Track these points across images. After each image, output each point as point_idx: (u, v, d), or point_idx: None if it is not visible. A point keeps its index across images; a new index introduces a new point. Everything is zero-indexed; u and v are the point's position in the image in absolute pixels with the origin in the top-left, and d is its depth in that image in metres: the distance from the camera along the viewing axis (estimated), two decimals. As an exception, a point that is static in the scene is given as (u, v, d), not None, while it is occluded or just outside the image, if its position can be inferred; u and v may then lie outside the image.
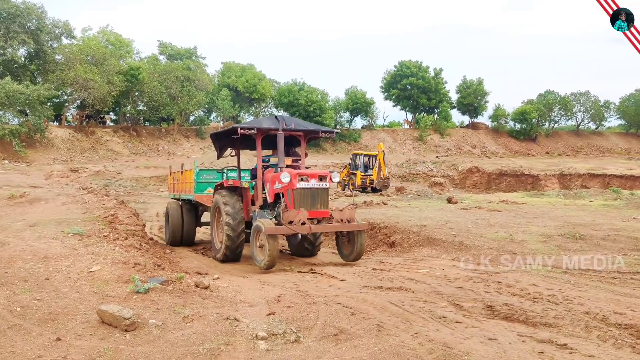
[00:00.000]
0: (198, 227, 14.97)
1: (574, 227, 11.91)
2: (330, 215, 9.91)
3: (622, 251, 9.55)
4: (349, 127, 63.14)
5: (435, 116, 67.51)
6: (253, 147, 12.14)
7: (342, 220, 9.86)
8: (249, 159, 38.49)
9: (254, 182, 11.18)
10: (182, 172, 15.01)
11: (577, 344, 5.04)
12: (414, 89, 63.95)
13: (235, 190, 11.26)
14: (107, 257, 7.78)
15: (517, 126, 69.30)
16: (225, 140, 12.14)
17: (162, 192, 31.77)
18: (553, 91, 71.84)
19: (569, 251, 9.64)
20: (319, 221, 9.80)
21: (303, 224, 9.42)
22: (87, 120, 48.48)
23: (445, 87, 67.01)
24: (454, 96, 69.51)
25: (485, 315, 6.04)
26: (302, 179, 9.72)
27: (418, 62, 65.21)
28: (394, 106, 68.17)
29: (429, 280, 7.74)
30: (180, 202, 14.71)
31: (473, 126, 71.28)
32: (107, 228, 10.25)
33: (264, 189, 10.70)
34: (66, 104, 46.72)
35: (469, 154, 61.42)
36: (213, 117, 60.11)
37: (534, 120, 68.12)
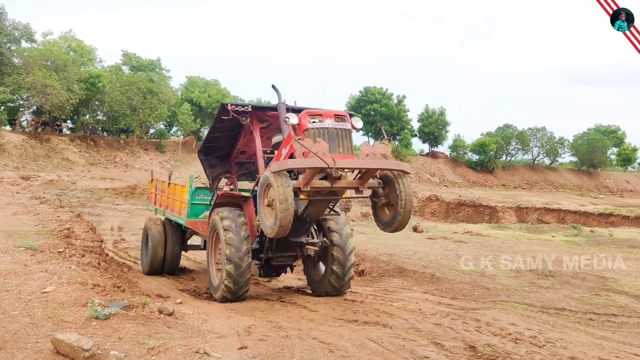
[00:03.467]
0: (184, 252, 12.32)
1: (542, 263, 11.87)
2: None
3: (592, 290, 9.50)
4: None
5: (397, 143, 68.09)
6: (254, 178, 9.95)
7: (375, 155, 7.36)
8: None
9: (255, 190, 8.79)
10: (169, 183, 12.13)
11: (568, 392, 4.80)
12: (377, 115, 64.40)
13: (235, 205, 8.91)
14: (62, 276, 7.20)
15: (476, 157, 70.47)
16: (219, 164, 10.12)
17: (117, 204, 30.82)
18: (511, 125, 73.49)
19: (541, 288, 9.53)
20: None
21: None
22: (42, 127, 46.85)
23: (407, 115, 67.75)
24: (414, 124, 70.36)
25: (468, 357, 5.76)
26: (313, 119, 7.28)
27: (383, 88, 65.84)
28: (357, 132, 68.42)
29: (405, 315, 7.45)
30: (162, 219, 12.08)
31: (433, 155, 72.14)
32: (62, 243, 9.61)
33: None
34: (21, 109, 45.05)
35: (428, 182, 61.98)
36: (174, 131, 59.11)
37: (492, 152, 69.42)
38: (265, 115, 8.83)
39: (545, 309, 8.15)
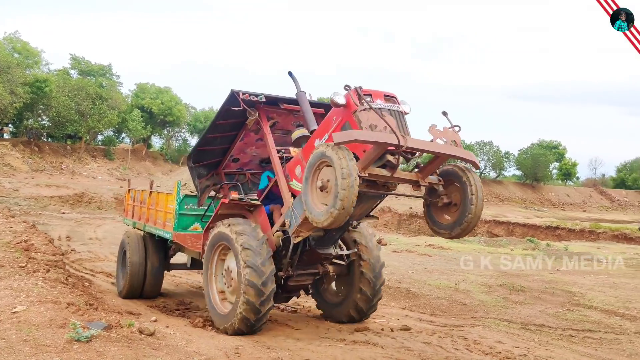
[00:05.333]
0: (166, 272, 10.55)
1: (509, 278, 12.04)
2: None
3: (564, 305, 9.66)
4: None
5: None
6: (245, 190, 8.55)
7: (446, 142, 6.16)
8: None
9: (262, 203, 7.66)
10: (150, 192, 10.45)
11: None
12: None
13: (239, 216, 7.67)
14: (30, 293, 6.74)
15: (426, 170, 71.67)
16: (207, 174, 8.79)
17: (63, 213, 29.70)
18: (460, 139, 75.17)
19: (516, 304, 9.64)
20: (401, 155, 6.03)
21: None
22: (-18, 131, 44.81)
23: (360, 127, 68.25)
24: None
25: (466, 377, 5.69)
26: (363, 98, 6.08)
27: (336, 100, 66.18)
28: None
29: (392, 333, 7.34)
30: (143, 235, 10.46)
31: (384, 167, 72.93)
32: (22, 257, 9.04)
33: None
34: (-41, 112, 42.93)
35: (379, 194, 62.65)
36: (122, 138, 57.61)
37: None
38: (273, 113, 7.77)
39: (526, 326, 8.23)
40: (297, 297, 8.51)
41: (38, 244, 10.76)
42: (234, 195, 7.75)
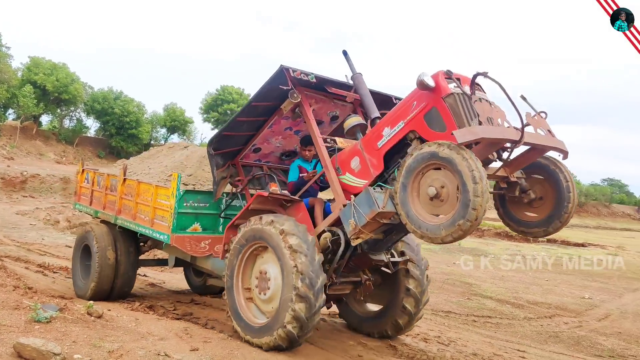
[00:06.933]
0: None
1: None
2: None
3: (464, 295, 10.88)
4: (165, 143, 61.27)
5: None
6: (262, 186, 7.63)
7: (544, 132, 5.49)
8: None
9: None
10: (124, 179, 8.74)
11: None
12: (233, 114, 64.34)
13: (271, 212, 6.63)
14: (-29, 276, 6.78)
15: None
16: (222, 164, 7.63)
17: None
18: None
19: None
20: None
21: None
22: None
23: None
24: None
25: (392, 355, 6.53)
26: (451, 82, 5.40)
27: (240, 88, 66.01)
28: (212, 129, 67.70)
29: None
30: (111, 227, 8.97)
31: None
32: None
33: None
34: None
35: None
36: (10, 114, 53.96)
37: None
38: (312, 99, 6.80)
39: (436, 312, 9.28)
40: (328, 309, 7.78)
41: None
42: (274, 187, 6.71)
